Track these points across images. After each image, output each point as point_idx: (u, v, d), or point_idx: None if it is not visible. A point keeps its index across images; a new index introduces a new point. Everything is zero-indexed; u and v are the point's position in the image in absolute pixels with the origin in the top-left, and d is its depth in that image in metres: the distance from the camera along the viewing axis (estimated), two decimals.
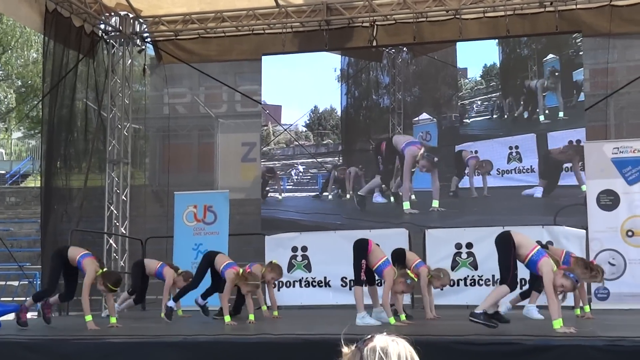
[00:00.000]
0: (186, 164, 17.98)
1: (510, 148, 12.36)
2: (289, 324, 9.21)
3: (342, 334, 2.82)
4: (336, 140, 13.40)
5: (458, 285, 11.28)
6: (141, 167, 16.11)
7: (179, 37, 13.70)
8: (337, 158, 13.23)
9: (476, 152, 12.51)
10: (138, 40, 13.82)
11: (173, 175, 15.29)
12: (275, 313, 9.99)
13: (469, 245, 11.37)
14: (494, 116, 12.69)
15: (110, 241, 13.35)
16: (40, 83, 18.46)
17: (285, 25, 13.11)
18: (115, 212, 13.43)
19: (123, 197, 13.54)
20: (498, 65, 12.71)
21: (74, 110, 12.90)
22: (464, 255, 11.39)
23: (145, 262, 10.63)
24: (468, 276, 11.28)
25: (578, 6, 12.20)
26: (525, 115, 12.45)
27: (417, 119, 12.92)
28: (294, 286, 12.05)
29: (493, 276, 11.12)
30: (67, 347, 7.01)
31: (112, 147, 13.57)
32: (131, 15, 13.43)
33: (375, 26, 12.92)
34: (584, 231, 10.94)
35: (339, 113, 13.33)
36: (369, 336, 2.74)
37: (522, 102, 12.49)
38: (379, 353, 2.66)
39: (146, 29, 13.78)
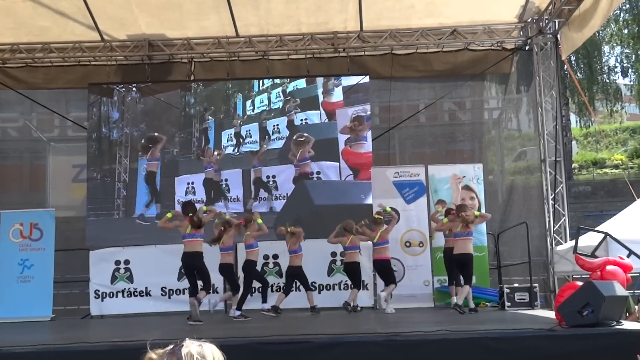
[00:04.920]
0: (17, 184, 16.76)
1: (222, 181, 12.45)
2: (112, 332, 8.75)
3: (150, 341, 2.63)
4: None
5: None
6: None
7: (6, 65, 12.81)
8: None
9: (193, 182, 12.46)
10: None
11: (3, 195, 14.26)
12: None
13: (275, 257, 11.41)
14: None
15: None
16: None
17: (110, 58, 12.64)
18: None
19: None
20: None
21: None
22: (270, 265, 11.42)
23: None
24: (274, 283, 11.25)
25: (366, 53, 12.68)
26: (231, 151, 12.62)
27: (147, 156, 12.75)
28: (117, 296, 11.57)
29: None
30: None
31: None
32: None
33: (193, 63, 12.75)
34: (370, 242, 11.25)
35: None
36: (180, 340, 2.58)
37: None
38: (197, 357, 2.53)
39: None
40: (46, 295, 11.23)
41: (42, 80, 12.95)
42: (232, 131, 12.63)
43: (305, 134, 12.36)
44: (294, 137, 12.37)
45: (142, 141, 12.65)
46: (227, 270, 10.09)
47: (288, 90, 12.69)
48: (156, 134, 12.67)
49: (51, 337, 8.33)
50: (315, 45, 12.44)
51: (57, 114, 14.27)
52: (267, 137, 12.55)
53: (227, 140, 12.59)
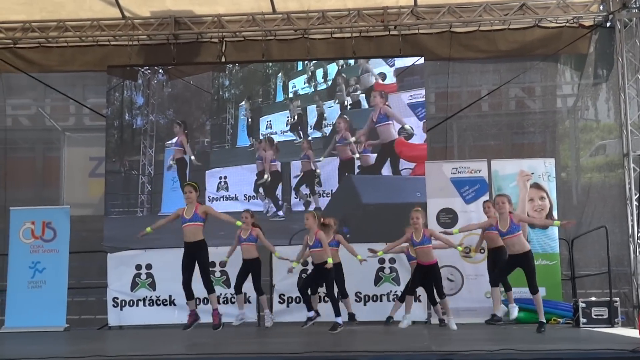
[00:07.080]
0: (28, 178, 17.08)
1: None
2: (132, 345, 8.85)
3: None
4: None
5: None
6: None
7: (17, 46, 13.09)
8: None
9: (225, 177, 12.60)
10: None
11: (13, 190, 14.49)
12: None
13: None
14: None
15: None
16: None
17: (132, 37, 12.82)
18: None
19: None
20: None
21: None
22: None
23: None
24: None
25: (420, 31, 12.61)
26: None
27: (170, 142, 12.87)
28: (137, 305, 11.70)
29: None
30: None
31: None
32: None
33: (224, 42, 12.83)
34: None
35: None
36: None
37: None
38: None
39: None
40: (59, 302, 11.44)
41: (56, 62, 13.19)
42: (272, 117, 12.73)
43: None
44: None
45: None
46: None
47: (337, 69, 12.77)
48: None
49: (65, 349, 8.41)
50: (363, 23, 12.44)
51: (74, 100, 14.47)
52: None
53: (266, 128, 12.69)
